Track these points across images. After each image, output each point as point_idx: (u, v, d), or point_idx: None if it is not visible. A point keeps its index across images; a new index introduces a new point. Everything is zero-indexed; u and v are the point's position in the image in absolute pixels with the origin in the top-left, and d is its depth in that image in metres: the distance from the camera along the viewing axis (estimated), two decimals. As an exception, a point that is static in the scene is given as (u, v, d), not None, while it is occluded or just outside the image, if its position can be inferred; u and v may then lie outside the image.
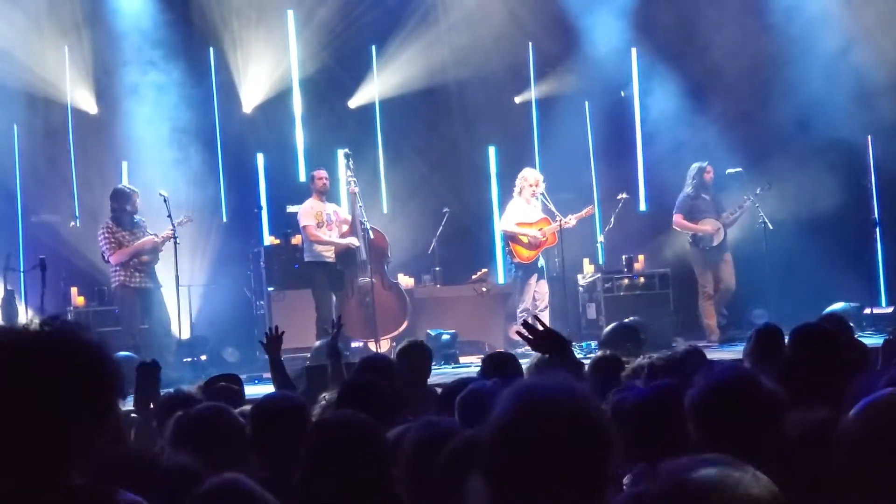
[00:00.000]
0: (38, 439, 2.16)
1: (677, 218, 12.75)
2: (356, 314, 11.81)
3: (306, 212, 11.94)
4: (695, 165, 12.79)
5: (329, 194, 12.26)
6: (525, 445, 2.11)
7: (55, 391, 2.17)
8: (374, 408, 4.63)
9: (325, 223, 11.90)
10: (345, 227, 12.01)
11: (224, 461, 3.82)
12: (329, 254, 11.91)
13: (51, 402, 2.16)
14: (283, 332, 7.01)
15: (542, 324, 4.43)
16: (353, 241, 11.80)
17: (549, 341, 4.30)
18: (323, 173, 12.14)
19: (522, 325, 4.43)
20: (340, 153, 12.46)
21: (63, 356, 2.20)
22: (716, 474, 1.88)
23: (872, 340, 9.12)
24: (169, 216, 11.08)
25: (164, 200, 11.22)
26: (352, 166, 12.08)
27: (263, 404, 4.60)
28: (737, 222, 12.80)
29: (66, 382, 2.18)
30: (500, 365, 6.02)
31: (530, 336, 4.25)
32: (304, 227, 11.90)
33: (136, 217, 11.38)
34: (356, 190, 11.98)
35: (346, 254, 11.88)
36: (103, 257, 11.27)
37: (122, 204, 11.29)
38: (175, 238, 11.13)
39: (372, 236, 11.72)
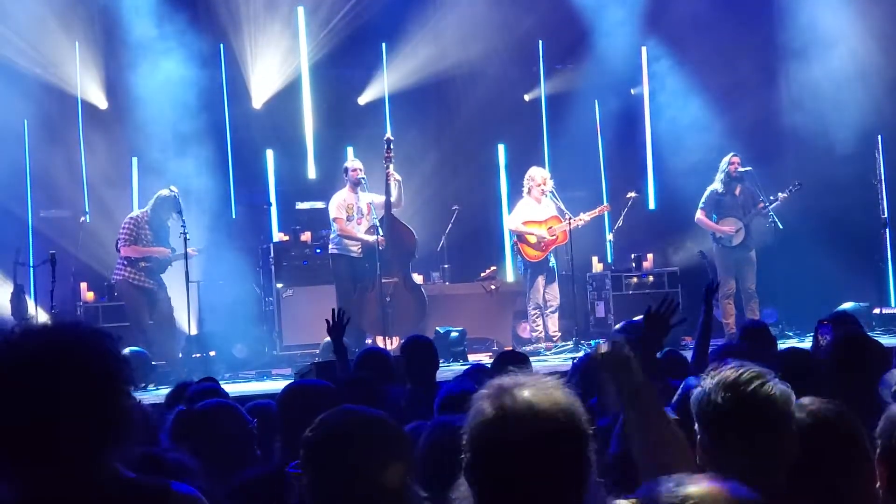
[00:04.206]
0: (80, 434, 2.18)
1: (699, 214, 12.63)
2: (373, 309, 11.70)
3: (338, 205, 11.74)
4: (725, 158, 12.64)
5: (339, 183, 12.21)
6: (504, 443, 2.13)
7: (75, 386, 2.18)
8: (378, 404, 4.65)
9: (356, 217, 11.75)
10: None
11: (225, 458, 3.82)
12: (356, 248, 11.75)
13: (61, 399, 2.17)
14: (348, 318, 6.96)
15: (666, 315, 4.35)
16: (380, 240, 11.60)
17: (659, 326, 4.33)
18: (357, 164, 11.93)
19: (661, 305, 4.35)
20: (385, 137, 12.19)
21: (75, 352, 2.22)
22: None
23: (882, 340, 9.08)
24: (179, 212, 11.05)
25: (175, 197, 11.19)
26: (391, 154, 11.85)
27: (291, 389, 4.64)
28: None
29: (79, 376, 2.20)
30: (513, 363, 5.98)
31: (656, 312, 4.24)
32: (335, 219, 11.74)
33: (168, 225, 11.28)
34: (399, 179, 11.78)
35: (371, 246, 11.65)
36: (116, 244, 11.24)
37: (162, 208, 11.20)
38: (186, 256, 11.05)
39: (381, 234, 11.63)
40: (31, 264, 12.15)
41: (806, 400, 2.98)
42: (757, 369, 2.79)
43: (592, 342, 12.10)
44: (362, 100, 15.23)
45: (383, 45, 15.01)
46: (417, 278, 12.74)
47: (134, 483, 2.26)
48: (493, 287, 13.42)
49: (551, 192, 12.38)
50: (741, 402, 2.73)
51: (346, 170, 11.94)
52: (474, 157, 15.43)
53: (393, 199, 11.75)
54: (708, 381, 2.79)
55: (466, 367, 11.23)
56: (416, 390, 6.20)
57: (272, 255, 13.00)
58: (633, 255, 13.57)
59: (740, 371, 2.77)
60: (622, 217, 13.02)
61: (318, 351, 11.32)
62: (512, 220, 12.60)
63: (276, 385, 8.60)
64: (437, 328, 12.05)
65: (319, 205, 13.38)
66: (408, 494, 2.86)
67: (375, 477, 2.79)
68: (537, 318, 12.39)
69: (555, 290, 12.41)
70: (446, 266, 13.81)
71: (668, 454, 2.93)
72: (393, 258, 11.75)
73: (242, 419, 4.19)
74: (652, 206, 15.52)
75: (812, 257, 13.37)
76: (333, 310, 7.11)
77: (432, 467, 3.29)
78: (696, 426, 2.82)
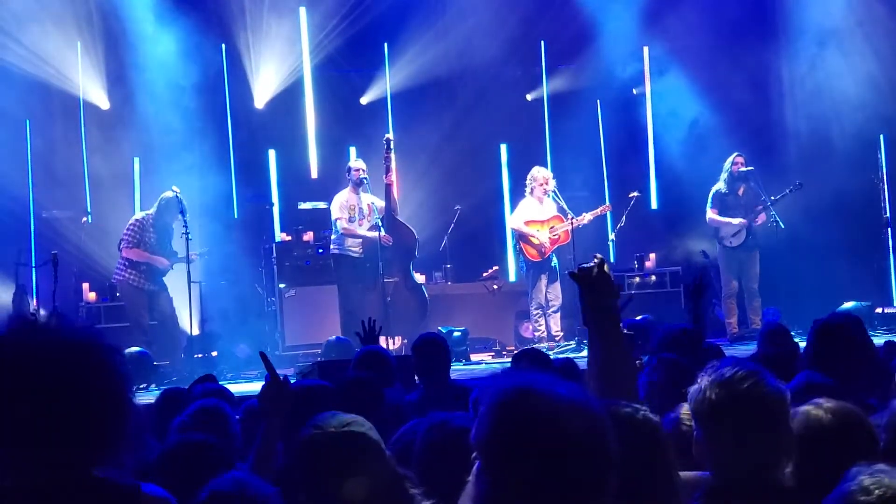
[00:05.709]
0: (56, 435, 2.19)
1: (711, 213, 12.55)
2: (374, 309, 11.62)
3: (340, 205, 11.74)
4: (729, 158, 12.58)
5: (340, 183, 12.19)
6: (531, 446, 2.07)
7: (68, 387, 2.20)
8: (377, 408, 4.63)
9: (358, 218, 11.74)
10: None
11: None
12: (357, 249, 11.72)
13: (65, 397, 2.19)
14: (381, 327, 7.06)
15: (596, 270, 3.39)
16: (384, 237, 11.58)
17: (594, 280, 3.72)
18: (360, 164, 11.92)
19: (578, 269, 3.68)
20: (384, 137, 12.19)
21: (73, 353, 2.24)
22: None
23: (883, 339, 9.09)
24: (181, 212, 11.05)
25: (178, 197, 11.19)
26: (391, 154, 11.84)
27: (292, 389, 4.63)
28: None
29: (77, 378, 2.21)
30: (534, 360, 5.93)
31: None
32: (337, 219, 11.73)
33: (173, 227, 11.28)
34: (392, 181, 11.78)
35: (372, 246, 11.64)
36: (119, 244, 11.24)
37: (167, 210, 11.20)
38: (188, 261, 11.04)
39: (383, 233, 11.61)
40: (33, 265, 12.17)
41: (822, 399, 3.03)
42: (752, 368, 2.81)
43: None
44: (364, 99, 15.25)
45: (385, 44, 15.02)
46: (419, 278, 12.73)
47: (104, 483, 2.26)
48: (495, 287, 13.43)
49: (553, 191, 12.37)
50: (735, 399, 2.75)
51: (349, 170, 11.95)
52: (476, 156, 15.43)
53: (392, 205, 11.81)
54: (704, 379, 2.82)
55: (468, 365, 11.37)
56: (427, 389, 6.17)
57: (274, 255, 13.00)
58: (635, 255, 13.57)
59: (735, 369, 2.80)
60: (624, 217, 13.01)
61: (320, 351, 11.32)
62: (514, 220, 12.58)
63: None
64: (440, 328, 12.05)
65: (322, 205, 13.38)
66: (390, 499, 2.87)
67: (345, 488, 2.81)
68: (539, 317, 12.38)
69: (557, 289, 12.40)
70: (448, 266, 13.81)
71: (619, 376, 3.08)
72: (393, 258, 11.75)
73: (217, 453, 4.00)
74: (654, 205, 15.52)
75: (814, 256, 13.37)
76: (363, 321, 7.18)
77: (428, 467, 3.28)
78: (693, 423, 2.84)
